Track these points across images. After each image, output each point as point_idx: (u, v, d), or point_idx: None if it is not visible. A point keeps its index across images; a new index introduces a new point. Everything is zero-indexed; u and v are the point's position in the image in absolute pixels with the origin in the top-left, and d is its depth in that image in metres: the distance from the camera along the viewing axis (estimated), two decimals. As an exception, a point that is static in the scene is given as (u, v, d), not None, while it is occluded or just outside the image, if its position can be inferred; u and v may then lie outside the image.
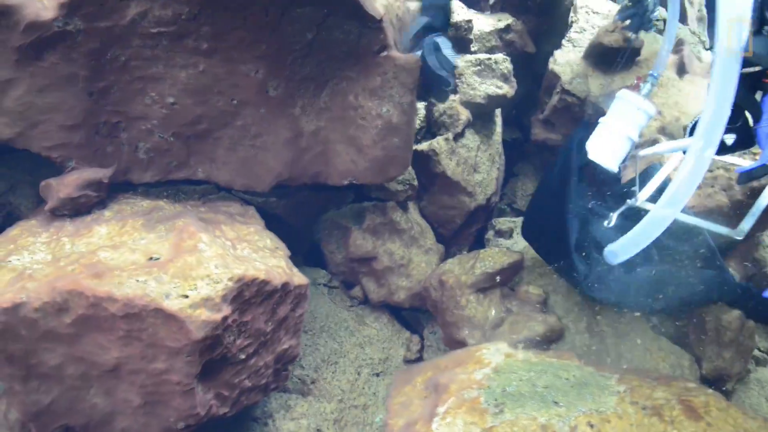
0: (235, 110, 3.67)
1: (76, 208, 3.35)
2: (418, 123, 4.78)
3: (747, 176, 3.33)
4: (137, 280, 2.84)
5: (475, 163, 4.93)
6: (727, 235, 3.59)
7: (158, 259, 3.04)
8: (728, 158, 3.75)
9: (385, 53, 3.82)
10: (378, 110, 3.86)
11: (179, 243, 3.12)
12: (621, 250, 2.91)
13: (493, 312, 4.10)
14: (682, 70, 5.22)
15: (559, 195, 3.97)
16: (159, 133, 3.59)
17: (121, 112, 3.49)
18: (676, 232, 4.18)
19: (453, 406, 3.02)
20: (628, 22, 3.76)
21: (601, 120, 3.73)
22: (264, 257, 3.29)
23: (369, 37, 3.74)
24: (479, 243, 5.24)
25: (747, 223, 3.54)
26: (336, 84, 3.86)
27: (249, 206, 3.82)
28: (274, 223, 3.87)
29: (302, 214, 4.54)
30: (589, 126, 3.82)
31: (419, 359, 4.46)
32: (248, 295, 3.02)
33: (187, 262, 2.96)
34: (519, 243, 5.03)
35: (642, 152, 3.79)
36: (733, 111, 3.06)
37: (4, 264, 2.99)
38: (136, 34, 3.30)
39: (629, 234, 2.83)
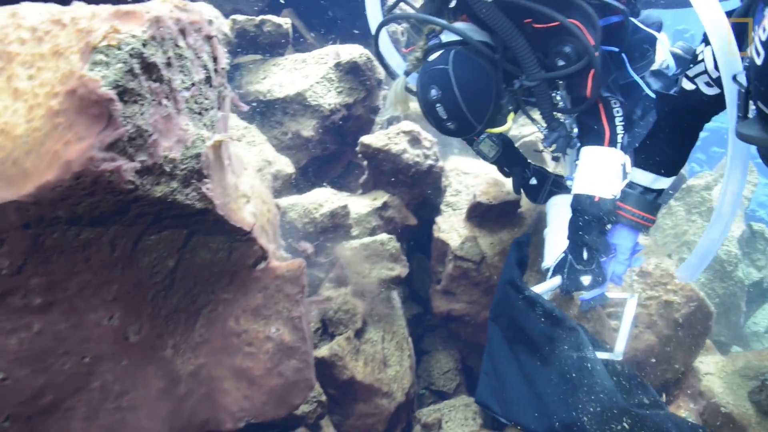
0: (88, 370, 2.94)
1: None
2: (312, 326, 4.26)
3: (587, 305, 3.81)
4: None
5: (383, 357, 4.41)
6: (610, 358, 3.60)
7: None
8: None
9: (262, 265, 3.35)
10: (266, 332, 3.30)
11: None
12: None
13: None
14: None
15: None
16: (-13, 423, 2.78)
17: (-70, 407, 2.67)
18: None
19: None
20: (554, 146, 3.81)
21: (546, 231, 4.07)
22: None
23: (241, 251, 3.27)
24: (406, 444, 4.59)
25: (620, 342, 3.58)
26: (211, 310, 3.28)
27: (122, 486, 2.99)
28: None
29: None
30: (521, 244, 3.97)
31: None
32: None
33: None
34: (450, 435, 4.46)
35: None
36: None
37: None
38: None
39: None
